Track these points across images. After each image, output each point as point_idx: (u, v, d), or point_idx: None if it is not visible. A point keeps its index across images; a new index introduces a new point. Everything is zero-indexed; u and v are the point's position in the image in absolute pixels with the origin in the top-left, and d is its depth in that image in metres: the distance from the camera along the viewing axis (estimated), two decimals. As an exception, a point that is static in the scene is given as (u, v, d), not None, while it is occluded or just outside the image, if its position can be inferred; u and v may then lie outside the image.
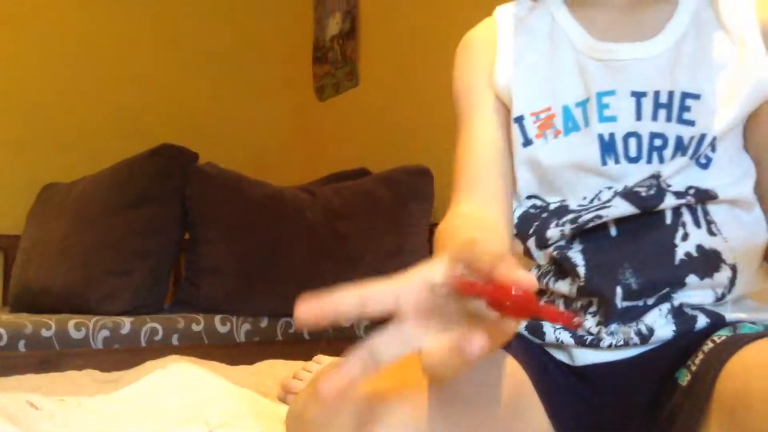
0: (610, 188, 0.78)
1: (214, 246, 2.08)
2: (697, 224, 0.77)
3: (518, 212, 0.84)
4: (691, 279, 0.76)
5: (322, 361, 1.08)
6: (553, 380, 0.77)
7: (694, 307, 0.77)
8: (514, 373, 0.76)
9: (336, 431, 0.61)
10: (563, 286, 0.79)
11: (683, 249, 0.76)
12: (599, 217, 0.77)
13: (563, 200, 0.81)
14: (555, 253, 0.80)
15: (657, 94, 0.79)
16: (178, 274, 2.45)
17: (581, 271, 0.77)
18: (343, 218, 2.16)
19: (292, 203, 2.15)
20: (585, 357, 0.77)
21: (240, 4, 3.16)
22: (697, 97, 0.78)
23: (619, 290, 0.76)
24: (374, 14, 2.76)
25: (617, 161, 0.78)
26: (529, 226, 0.83)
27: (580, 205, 0.79)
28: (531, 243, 0.82)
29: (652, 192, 0.77)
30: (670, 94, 0.78)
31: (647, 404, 0.74)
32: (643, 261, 0.76)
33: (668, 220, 0.77)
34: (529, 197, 0.83)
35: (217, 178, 2.13)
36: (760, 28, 0.82)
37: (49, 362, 1.64)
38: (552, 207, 0.81)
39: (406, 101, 2.53)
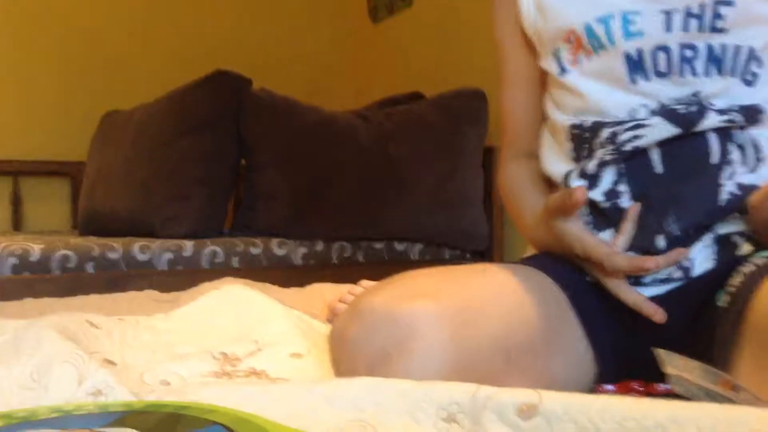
0: (644, 106, 0.76)
1: (270, 171, 2.11)
2: (744, 162, 0.75)
3: (566, 133, 0.84)
4: (735, 215, 0.76)
5: (366, 285, 1.10)
6: (590, 304, 0.78)
7: (737, 233, 0.76)
8: (552, 292, 0.77)
9: (374, 347, 0.63)
10: (607, 236, 0.79)
11: (728, 188, 0.74)
12: (637, 137, 0.75)
13: (600, 119, 0.79)
14: (606, 203, 0.79)
15: (688, 7, 0.75)
16: (238, 199, 2.51)
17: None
18: (396, 142, 2.15)
19: (344, 128, 2.16)
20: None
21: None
22: (729, 3, 0.73)
23: (662, 240, 0.76)
24: (428, -70, 2.67)
25: (647, 78, 0.76)
26: (578, 154, 0.83)
27: (615, 120, 0.78)
28: (574, 175, 0.82)
29: (692, 109, 0.74)
30: (701, 5, 0.74)
31: (686, 328, 0.74)
32: (688, 205, 0.75)
33: (715, 157, 0.75)
34: (571, 117, 0.83)
35: (271, 104, 2.14)
36: None
37: (116, 283, 1.72)
38: (590, 127, 0.80)
39: (462, 22, 2.47)
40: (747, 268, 0.70)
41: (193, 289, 1.22)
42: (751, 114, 0.75)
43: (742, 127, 0.76)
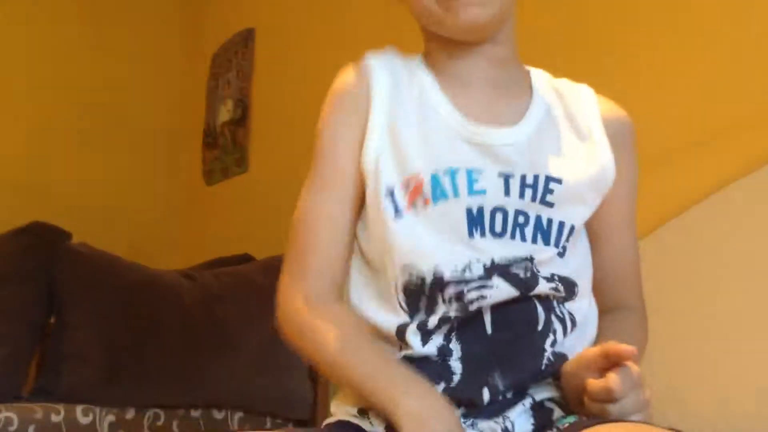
0: (478, 260, 0.78)
1: (81, 331, 1.96)
2: (563, 332, 0.80)
3: (398, 282, 0.81)
4: (550, 380, 0.79)
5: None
6: None
7: (550, 400, 0.79)
8: None
9: None
10: (439, 389, 0.77)
11: (548, 354, 0.78)
12: (483, 297, 0.77)
13: (436, 270, 0.78)
14: (437, 358, 0.78)
15: (524, 177, 0.81)
16: (41, 361, 2.30)
17: (456, 378, 0.77)
18: (222, 303, 2.10)
19: (168, 287, 2.08)
20: None
21: (132, 87, 3.13)
22: (559, 181, 0.81)
23: (486, 392, 0.77)
24: (266, 103, 2.79)
25: (483, 235, 0.79)
26: (412, 306, 0.80)
27: (453, 274, 0.78)
28: (412, 329, 0.79)
29: (528, 275, 0.78)
30: (536, 177, 0.81)
31: None
32: (513, 365, 0.77)
33: (540, 324, 0.79)
34: (404, 266, 0.80)
35: (89, 259, 2.04)
36: (603, 124, 0.88)
37: None
38: (428, 280, 0.78)
39: (294, 188, 2.54)
40: None
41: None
42: (568, 286, 0.81)
43: (563, 299, 0.81)
